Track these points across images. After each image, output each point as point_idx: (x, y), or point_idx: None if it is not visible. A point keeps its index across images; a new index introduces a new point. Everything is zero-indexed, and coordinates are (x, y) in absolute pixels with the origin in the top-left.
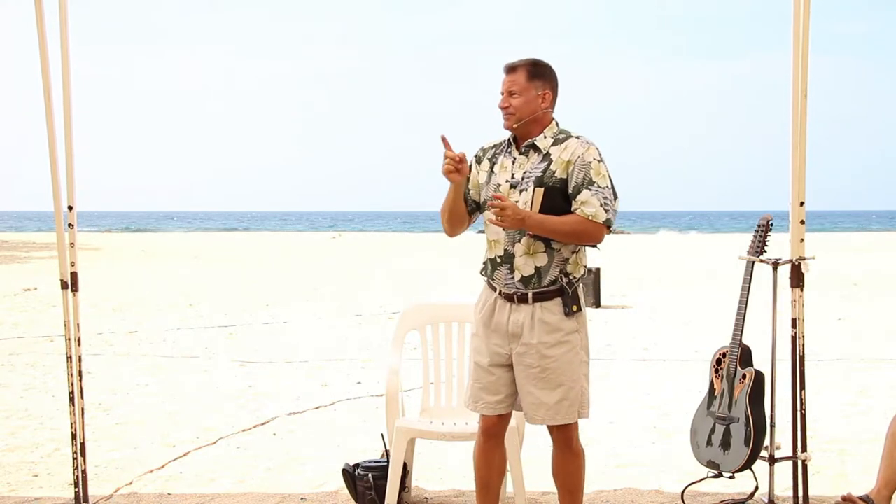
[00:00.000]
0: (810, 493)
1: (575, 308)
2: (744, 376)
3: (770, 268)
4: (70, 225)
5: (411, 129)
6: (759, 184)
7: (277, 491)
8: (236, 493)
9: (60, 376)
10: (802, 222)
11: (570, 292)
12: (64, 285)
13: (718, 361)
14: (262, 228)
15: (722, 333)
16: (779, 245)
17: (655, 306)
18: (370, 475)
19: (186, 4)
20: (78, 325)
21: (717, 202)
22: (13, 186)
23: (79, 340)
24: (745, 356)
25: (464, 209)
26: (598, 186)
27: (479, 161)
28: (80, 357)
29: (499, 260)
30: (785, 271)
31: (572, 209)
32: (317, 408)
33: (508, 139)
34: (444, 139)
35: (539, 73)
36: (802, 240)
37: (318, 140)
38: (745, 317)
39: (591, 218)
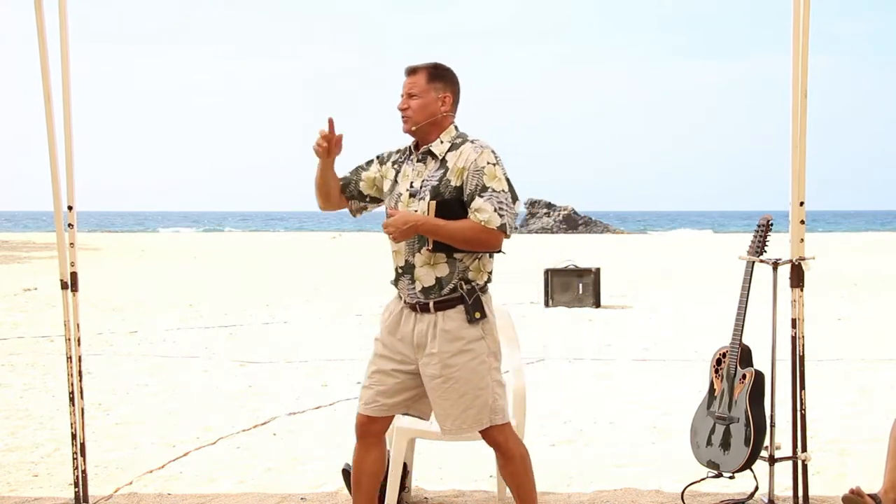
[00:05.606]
0: (810, 493)
1: (478, 315)
2: (744, 376)
3: (770, 268)
4: (70, 225)
5: None
6: (758, 184)
7: (277, 491)
8: (236, 493)
9: (60, 376)
10: (802, 222)
11: (472, 300)
12: (64, 285)
13: (718, 361)
14: (262, 228)
15: (722, 333)
16: (779, 245)
17: (655, 306)
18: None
19: (186, 4)
20: (78, 325)
21: (716, 202)
22: (13, 186)
23: (79, 340)
24: (745, 356)
25: (334, 188)
26: (493, 191)
27: (381, 162)
28: (80, 357)
29: (400, 270)
30: (785, 271)
31: (468, 217)
32: (317, 408)
33: (410, 146)
34: (330, 121)
35: (440, 76)
36: (802, 240)
37: None
38: (745, 317)
39: (485, 224)
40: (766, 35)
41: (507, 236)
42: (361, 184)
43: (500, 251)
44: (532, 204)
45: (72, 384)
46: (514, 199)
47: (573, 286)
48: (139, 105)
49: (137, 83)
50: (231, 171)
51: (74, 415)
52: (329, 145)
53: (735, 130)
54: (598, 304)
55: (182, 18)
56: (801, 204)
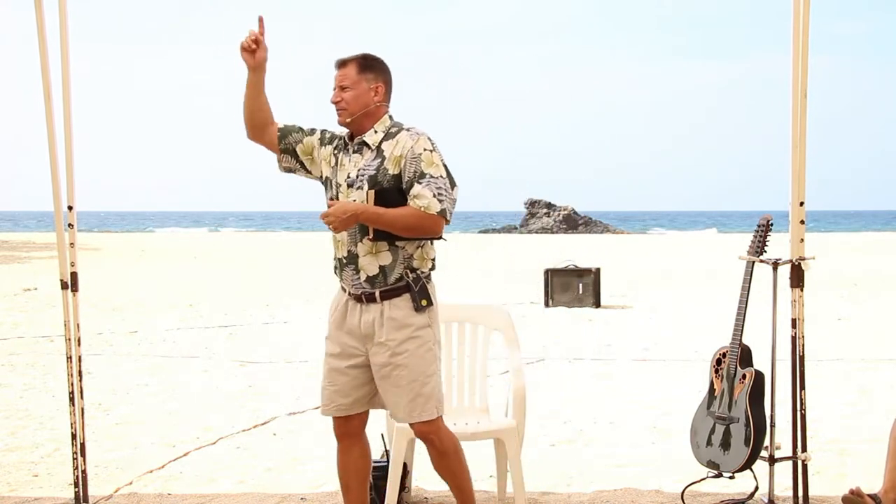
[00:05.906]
0: (810, 493)
1: (424, 302)
2: (744, 376)
3: (770, 268)
4: (70, 225)
5: None
6: (758, 184)
7: (277, 491)
8: (236, 493)
9: (60, 376)
10: (802, 222)
11: (418, 287)
12: (64, 285)
13: (718, 361)
14: (262, 228)
15: (722, 333)
16: (779, 245)
17: (655, 306)
18: (370, 475)
19: (186, 4)
20: (78, 325)
21: (716, 202)
22: (13, 186)
23: (79, 340)
24: (745, 356)
25: (262, 111)
26: (431, 177)
27: (323, 142)
28: (80, 357)
29: (344, 260)
30: (785, 271)
31: (408, 204)
32: (317, 408)
33: (345, 137)
34: (260, 19)
35: (370, 66)
36: (802, 240)
37: None
38: (745, 317)
39: (424, 210)
40: (766, 35)
41: (447, 222)
42: (300, 145)
43: (440, 238)
44: (532, 204)
45: (72, 384)
46: (453, 185)
47: (573, 286)
48: (139, 105)
49: (137, 83)
50: (231, 171)
51: (74, 415)
52: (258, 46)
53: (735, 130)
54: (598, 304)
55: (182, 18)
56: (801, 204)
